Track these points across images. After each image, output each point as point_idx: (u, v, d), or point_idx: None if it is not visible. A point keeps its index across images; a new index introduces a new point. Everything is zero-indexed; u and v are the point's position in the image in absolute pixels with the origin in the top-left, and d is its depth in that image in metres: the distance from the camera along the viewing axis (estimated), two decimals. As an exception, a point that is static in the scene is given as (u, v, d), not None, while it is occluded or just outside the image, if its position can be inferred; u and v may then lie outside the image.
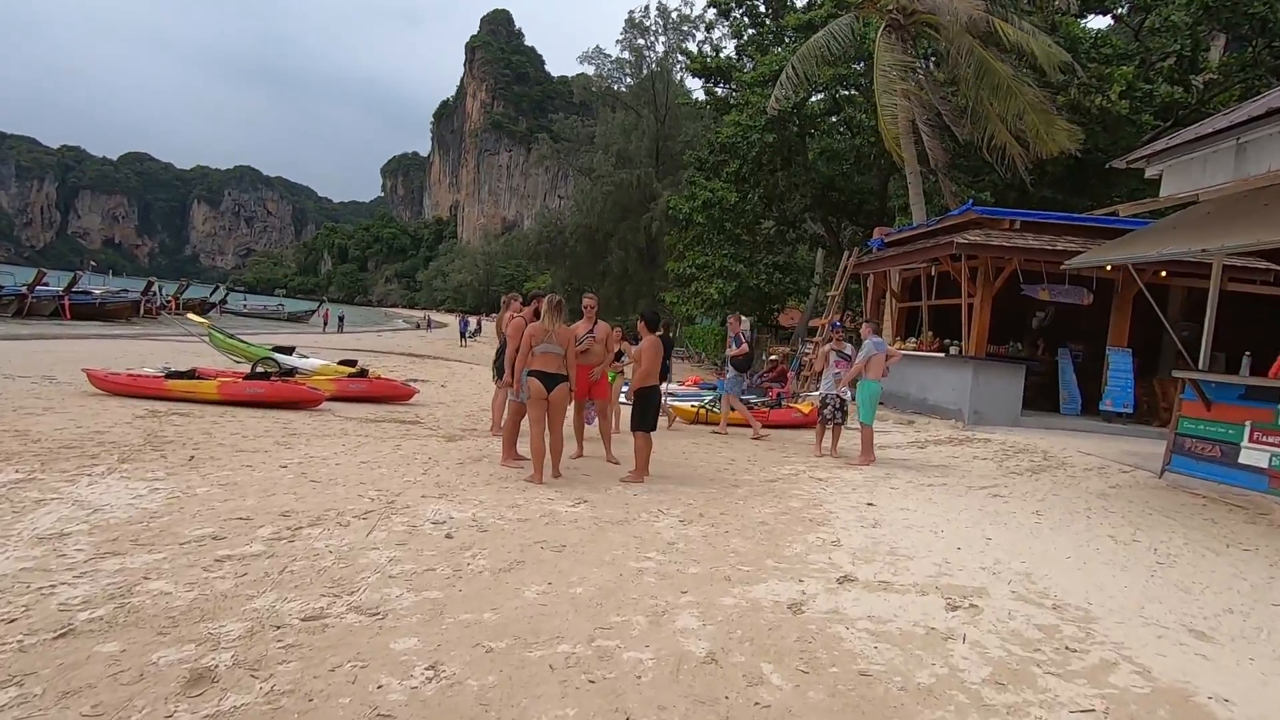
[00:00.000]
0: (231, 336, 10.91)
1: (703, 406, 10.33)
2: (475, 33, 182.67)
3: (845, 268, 13.56)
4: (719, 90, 25.71)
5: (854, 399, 7.71)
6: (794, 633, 3.14)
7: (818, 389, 9.79)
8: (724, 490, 5.95)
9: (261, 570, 3.44)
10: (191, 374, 8.82)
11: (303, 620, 2.94)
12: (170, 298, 32.28)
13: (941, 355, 11.05)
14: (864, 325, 7.64)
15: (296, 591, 3.23)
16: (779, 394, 13.81)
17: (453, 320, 51.48)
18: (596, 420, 7.42)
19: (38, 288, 25.22)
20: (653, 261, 36.91)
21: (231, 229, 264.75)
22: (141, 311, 28.50)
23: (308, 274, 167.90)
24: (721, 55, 27.24)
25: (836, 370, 7.88)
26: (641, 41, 43.19)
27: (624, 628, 3.08)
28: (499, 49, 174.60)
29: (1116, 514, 5.58)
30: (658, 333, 6.31)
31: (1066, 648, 3.14)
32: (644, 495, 5.55)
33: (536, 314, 6.20)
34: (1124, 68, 16.40)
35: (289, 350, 10.91)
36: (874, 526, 5.01)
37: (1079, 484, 6.76)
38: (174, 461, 5.46)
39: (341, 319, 40.49)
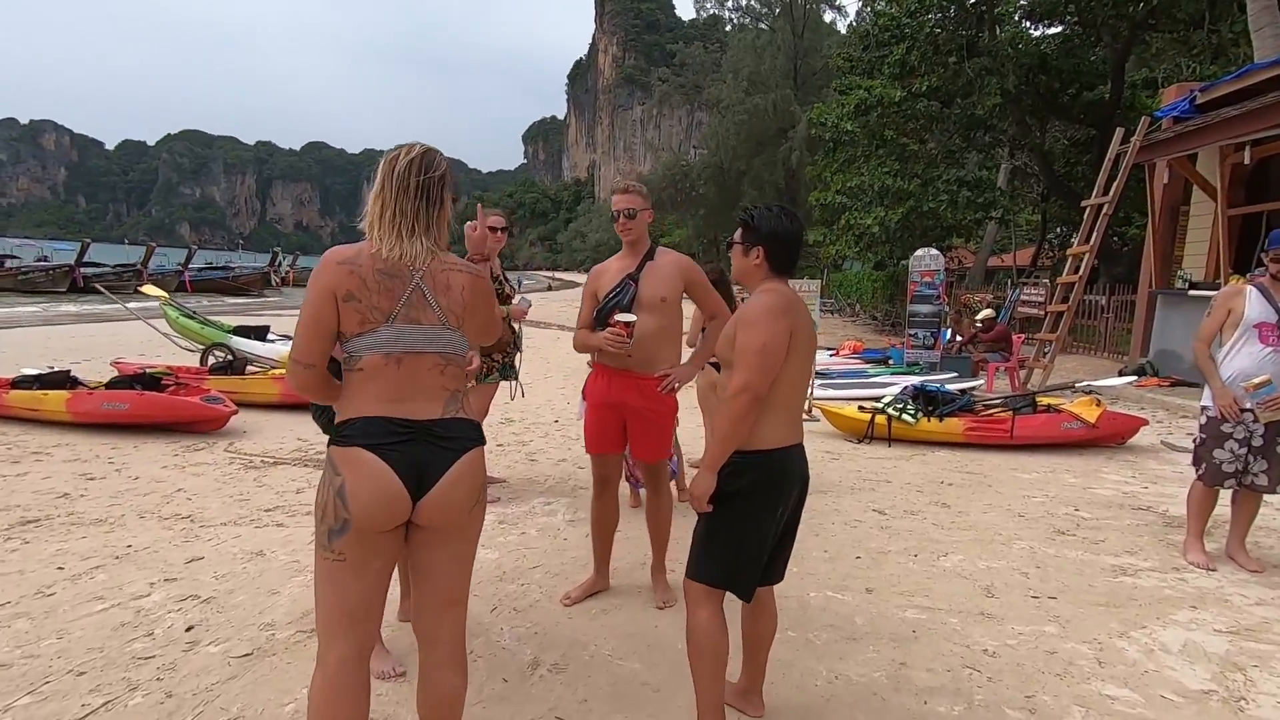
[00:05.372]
0: (191, 315, 7.99)
1: (882, 410, 5.72)
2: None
3: (1123, 155, 7.89)
4: (876, -38, 19.71)
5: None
6: None
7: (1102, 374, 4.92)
8: None
9: None
10: (66, 379, 5.77)
11: None
12: (288, 269, 32.62)
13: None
14: None
15: None
16: (1002, 370, 8.72)
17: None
18: (644, 490, 3.18)
19: (153, 264, 26.30)
20: (793, 201, 31.47)
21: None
22: (274, 283, 29.27)
23: (459, 243, 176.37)
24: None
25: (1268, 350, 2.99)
26: (775, -62, 36.67)
27: None
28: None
29: None
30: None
31: None
32: None
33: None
34: None
35: (261, 332, 7.79)
36: None
37: None
38: None
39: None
